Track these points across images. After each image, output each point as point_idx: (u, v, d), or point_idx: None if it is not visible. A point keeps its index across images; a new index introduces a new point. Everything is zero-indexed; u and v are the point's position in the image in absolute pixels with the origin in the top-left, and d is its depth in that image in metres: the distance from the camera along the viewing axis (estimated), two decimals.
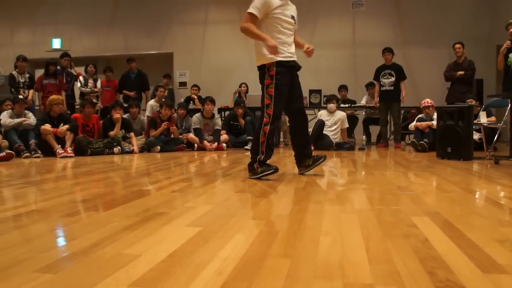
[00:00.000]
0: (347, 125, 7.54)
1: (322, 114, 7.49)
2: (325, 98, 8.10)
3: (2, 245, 1.58)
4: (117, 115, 6.88)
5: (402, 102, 7.80)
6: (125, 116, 7.21)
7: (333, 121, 7.35)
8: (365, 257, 1.40)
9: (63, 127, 6.18)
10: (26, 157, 5.85)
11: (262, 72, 3.53)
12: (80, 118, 6.63)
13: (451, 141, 5.20)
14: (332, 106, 7.37)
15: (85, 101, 6.99)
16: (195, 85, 9.62)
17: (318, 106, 8.80)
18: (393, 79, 7.79)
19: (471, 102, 6.69)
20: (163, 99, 8.10)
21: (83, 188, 3.00)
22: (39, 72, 8.62)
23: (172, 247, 1.52)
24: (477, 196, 2.64)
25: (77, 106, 8.09)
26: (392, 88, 7.79)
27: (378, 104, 8.02)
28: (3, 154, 5.40)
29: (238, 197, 2.58)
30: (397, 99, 7.80)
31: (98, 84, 8.66)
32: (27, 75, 7.49)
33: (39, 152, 6.02)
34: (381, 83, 7.90)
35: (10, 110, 6.34)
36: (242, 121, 7.78)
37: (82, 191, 2.85)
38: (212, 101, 7.57)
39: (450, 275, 1.22)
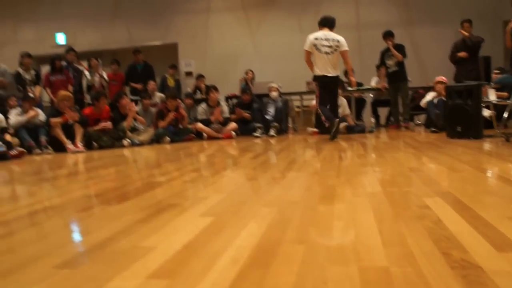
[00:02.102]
0: (348, 111, 7.56)
1: None
2: None
3: (19, 242, 1.60)
4: (126, 101, 7.01)
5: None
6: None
7: None
8: (379, 240, 1.40)
9: (73, 114, 6.21)
10: (37, 154, 5.90)
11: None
12: (91, 114, 6.63)
13: (461, 120, 5.16)
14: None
15: (99, 93, 6.94)
16: (201, 75, 9.50)
17: None
18: (396, 59, 7.74)
19: (498, 73, 6.69)
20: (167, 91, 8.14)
21: (95, 183, 3.02)
22: (45, 68, 8.61)
23: (186, 237, 1.53)
24: (488, 174, 2.63)
25: (87, 101, 8.04)
26: (397, 68, 7.74)
27: (386, 87, 8.00)
28: (15, 152, 5.44)
29: (249, 185, 2.59)
30: (404, 79, 7.76)
31: (105, 75, 8.54)
32: (33, 72, 7.49)
33: (50, 148, 6.07)
34: (387, 65, 7.86)
35: (19, 108, 6.36)
36: (247, 115, 7.77)
37: (95, 186, 2.88)
38: (216, 89, 7.57)
39: (464, 255, 1.22)
